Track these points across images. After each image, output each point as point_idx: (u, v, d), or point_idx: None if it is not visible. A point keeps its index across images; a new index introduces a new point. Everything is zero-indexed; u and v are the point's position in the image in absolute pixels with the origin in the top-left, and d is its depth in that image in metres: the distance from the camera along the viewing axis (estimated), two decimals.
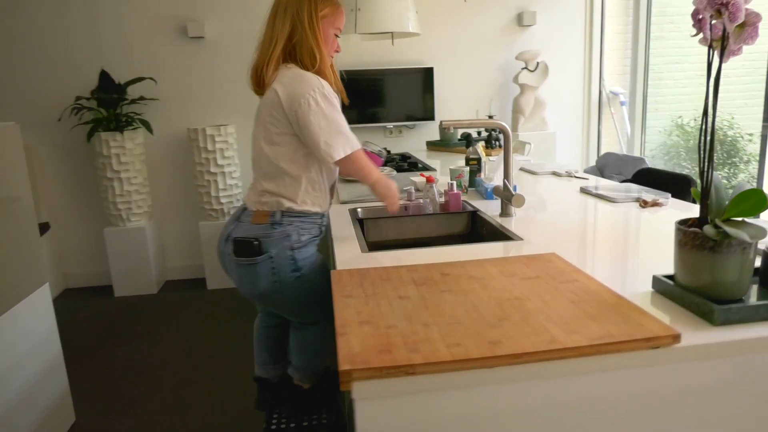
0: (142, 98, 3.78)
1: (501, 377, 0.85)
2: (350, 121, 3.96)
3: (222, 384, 2.58)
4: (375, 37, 3.22)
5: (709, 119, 1.00)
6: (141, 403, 2.46)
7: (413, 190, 1.97)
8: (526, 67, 4.03)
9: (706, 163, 1.01)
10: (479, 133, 3.62)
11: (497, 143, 3.45)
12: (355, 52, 4.01)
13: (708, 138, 1.01)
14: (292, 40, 1.53)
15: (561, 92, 4.27)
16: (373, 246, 1.90)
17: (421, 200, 1.97)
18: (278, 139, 1.54)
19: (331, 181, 1.68)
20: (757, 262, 1.11)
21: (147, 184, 3.90)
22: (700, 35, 1.00)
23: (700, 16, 0.97)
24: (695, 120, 4.15)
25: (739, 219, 1.00)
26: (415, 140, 4.16)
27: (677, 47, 4.19)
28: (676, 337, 0.87)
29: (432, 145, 3.83)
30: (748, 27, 0.94)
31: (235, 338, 3.03)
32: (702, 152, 1.02)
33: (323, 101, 1.48)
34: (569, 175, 2.50)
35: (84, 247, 4.06)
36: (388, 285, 1.15)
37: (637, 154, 4.23)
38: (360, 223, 1.89)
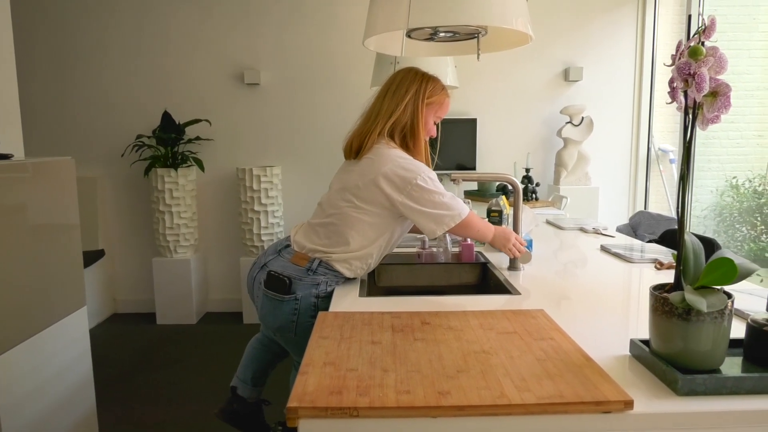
0: (198, 138, 4.04)
1: (444, 428, 0.86)
2: None
3: None
4: None
5: (685, 180, 1.00)
6: (164, 429, 2.55)
7: (427, 239, 2.01)
8: (570, 122, 4.02)
9: (681, 227, 1.00)
10: None
11: (534, 195, 3.44)
12: None
13: (681, 200, 1.00)
14: (397, 118, 1.63)
15: (606, 147, 4.21)
16: (384, 291, 1.94)
17: (435, 249, 2.00)
18: (358, 212, 1.59)
19: (386, 251, 1.71)
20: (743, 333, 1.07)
21: (195, 219, 4.12)
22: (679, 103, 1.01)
23: (674, 85, 0.99)
24: (750, 181, 3.97)
25: (718, 288, 0.98)
26: (457, 189, 4.20)
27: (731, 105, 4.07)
28: (629, 404, 0.86)
29: (469, 195, 3.85)
30: (720, 96, 0.95)
31: None
32: (678, 215, 1.01)
33: (431, 184, 1.57)
34: (596, 231, 2.46)
35: (134, 275, 4.30)
36: (366, 330, 1.18)
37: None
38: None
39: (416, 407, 0.85)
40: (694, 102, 0.96)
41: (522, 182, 3.47)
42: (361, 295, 1.54)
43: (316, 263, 1.59)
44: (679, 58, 0.95)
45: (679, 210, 1.01)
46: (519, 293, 1.53)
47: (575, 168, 4.01)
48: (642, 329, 1.24)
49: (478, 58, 1.70)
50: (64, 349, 2.25)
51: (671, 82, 1.00)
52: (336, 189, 1.66)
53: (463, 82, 4.11)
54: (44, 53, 4.09)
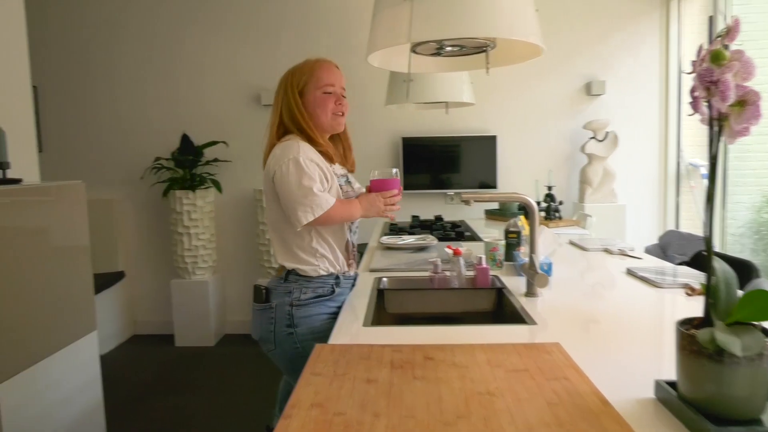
0: (215, 160, 4.03)
1: None
2: (409, 187, 4.00)
3: None
4: (429, 107, 3.26)
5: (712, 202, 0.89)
6: None
7: (440, 262, 1.91)
8: (594, 137, 3.89)
9: (709, 253, 0.89)
10: (538, 203, 3.50)
11: (557, 214, 3.31)
12: (413, 119, 4.08)
13: (708, 224, 0.89)
14: (281, 121, 1.65)
15: (633, 163, 4.06)
16: (393, 318, 1.84)
17: (447, 273, 1.90)
18: (271, 206, 1.64)
19: (340, 241, 1.67)
20: None
21: (213, 240, 4.09)
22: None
23: (696, 94, 0.88)
24: None
25: (755, 324, 0.86)
26: (477, 208, 4.09)
27: (766, 116, 3.88)
28: None
29: (490, 214, 3.74)
30: (748, 106, 0.84)
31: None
32: (705, 240, 0.90)
33: (294, 168, 1.54)
34: (622, 253, 2.32)
35: (153, 297, 4.29)
36: (363, 365, 1.09)
37: (717, 231, 3.88)
38: (381, 293, 1.84)
39: None
40: (719, 113, 0.85)
41: (544, 200, 3.35)
42: (365, 324, 1.45)
43: (285, 273, 1.63)
44: (701, 65, 0.85)
45: (707, 235, 0.90)
46: (535, 323, 1.42)
47: (600, 185, 3.86)
48: (671, 368, 1.11)
49: (487, 72, 1.62)
50: (74, 374, 2.21)
51: (692, 91, 0.90)
52: None
53: (481, 99, 4.02)
54: (65, 80, 4.16)
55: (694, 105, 0.89)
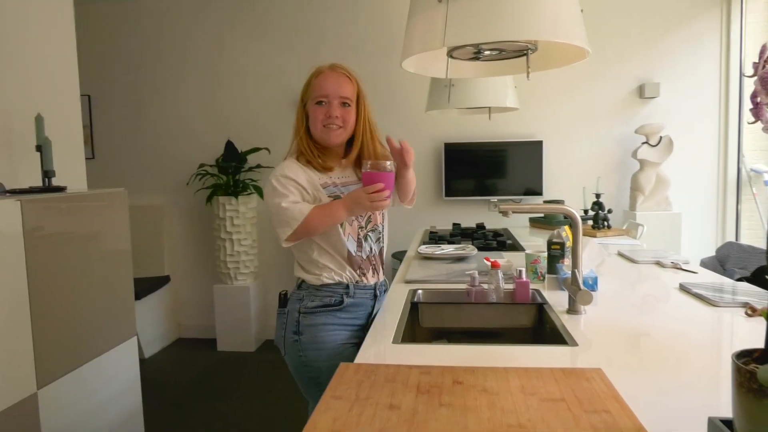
0: (258, 166, 4.07)
1: None
2: (452, 194, 3.93)
3: None
4: (471, 112, 3.18)
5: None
6: None
7: (477, 274, 1.83)
8: (647, 142, 3.70)
9: None
10: (586, 211, 3.35)
11: (605, 223, 3.15)
12: (456, 124, 4.00)
13: None
14: (294, 137, 1.72)
15: (689, 169, 3.84)
16: (429, 333, 1.78)
17: (485, 286, 1.82)
18: None
19: (342, 251, 1.60)
20: None
21: (255, 246, 4.13)
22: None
23: (758, 99, 0.79)
24: None
25: None
26: (522, 216, 3.96)
27: None
28: None
29: (535, 222, 3.61)
30: None
31: None
32: None
33: (270, 189, 1.57)
34: (675, 266, 2.17)
35: (197, 301, 4.36)
36: (388, 389, 1.03)
37: None
38: (415, 306, 1.78)
39: None
40: None
41: (592, 209, 3.20)
42: (395, 341, 1.39)
43: (300, 281, 1.66)
44: (764, 67, 0.76)
45: None
46: (576, 344, 1.33)
47: (653, 192, 3.67)
48: (727, 402, 1.01)
49: (528, 77, 1.53)
50: (113, 380, 2.25)
51: (753, 96, 0.80)
52: None
53: (526, 103, 3.90)
54: (115, 89, 4.29)
55: (756, 112, 0.79)
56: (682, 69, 3.81)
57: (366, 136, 1.66)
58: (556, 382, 1.05)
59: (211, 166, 4.08)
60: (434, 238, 2.93)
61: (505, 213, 1.57)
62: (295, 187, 1.55)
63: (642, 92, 3.83)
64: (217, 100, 4.20)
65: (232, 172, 3.99)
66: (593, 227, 3.17)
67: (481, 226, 3.29)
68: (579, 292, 1.51)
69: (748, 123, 0.82)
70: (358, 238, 1.62)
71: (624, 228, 3.35)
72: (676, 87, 3.82)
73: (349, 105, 1.62)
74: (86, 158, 4.33)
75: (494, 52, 1.55)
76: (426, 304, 1.80)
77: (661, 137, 3.69)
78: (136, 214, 4.26)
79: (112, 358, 2.24)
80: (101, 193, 2.27)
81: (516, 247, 2.75)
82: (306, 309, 1.57)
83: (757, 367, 0.75)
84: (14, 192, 1.95)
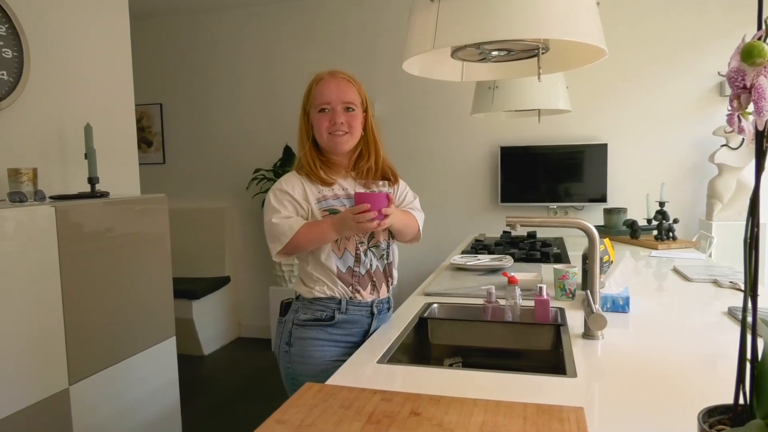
0: None
1: None
2: (507, 199, 3.76)
3: None
4: (521, 114, 3.01)
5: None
6: None
7: (494, 290, 1.71)
8: (726, 144, 3.34)
9: (744, 323, 0.65)
10: (649, 221, 3.08)
11: (670, 234, 2.87)
12: (514, 126, 3.83)
13: (752, 274, 0.65)
14: (300, 149, 1.63)
15: None
16: (441, 350, 1.68)
17: (503, 302, 1.70)
18: None
19: (330, 265, 1.52)
20: None
21: None
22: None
23: (733, 104, 0.65)
24: None
25: None
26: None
27: None
28: None
29: None
30: None
31: None
32: (744, 300, 0.66)
33: (267, 201, 1.54)
34: (734, 286, 1.92)
35: (255, 302, 4.49)
36: (337, 416, 0.97)
37: None
38: (424, 321, 1.69)
39: None
40: (758, 129, 0.61)
41: (655, 218, 2.93)
42: (381, 360, 1.32)
43: (297, 293, 1.62)
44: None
45: (746, 296, 0.66)
46: (575, 375, 1.19)
47: (733, 200, 3.31)
48: None
49: (539, 78, 1.40)
50: (149, 379, 2.34)
51: (731, 99, 0.66)
52: None
53: (590, 103, 3.67)
54: (182, 97, 4.52)
55: (730, 119, 0.66)
56: None
57: (370, 145, 1.61)
58: (523, 421, 0.94)
59: (267, 170, 4.18)
60: (476, 246, 2.81)
61: (512, 226, 1.45)
62: (289, 202, 1.52)
63: (722, 90, 3.47)
64: (275, 106, 4.30)
65: None
66: (656, 238, 2.90)
67: (532, 234, 3.12)
68: (591, 315, 1.36)
69: (725, 132, 0.68)
70: (356, 253, 1.55)
71: (694, 239, 3.04)
72: None
73: (354, 109, 1.57)
74: (158, 163, 4.61)
75: (502, 53, 1.44)
76: (436, 320, 1.71)
77: (743, 139, 3.31)
78: (199, 216, 4.47)
79: (148, 358, 2.33)
80: (143, 198, 2.38)
81: (561, 259, 2.57)
82: (299, 321, 1.54)
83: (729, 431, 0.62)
84: (56, 198, 2.08)
